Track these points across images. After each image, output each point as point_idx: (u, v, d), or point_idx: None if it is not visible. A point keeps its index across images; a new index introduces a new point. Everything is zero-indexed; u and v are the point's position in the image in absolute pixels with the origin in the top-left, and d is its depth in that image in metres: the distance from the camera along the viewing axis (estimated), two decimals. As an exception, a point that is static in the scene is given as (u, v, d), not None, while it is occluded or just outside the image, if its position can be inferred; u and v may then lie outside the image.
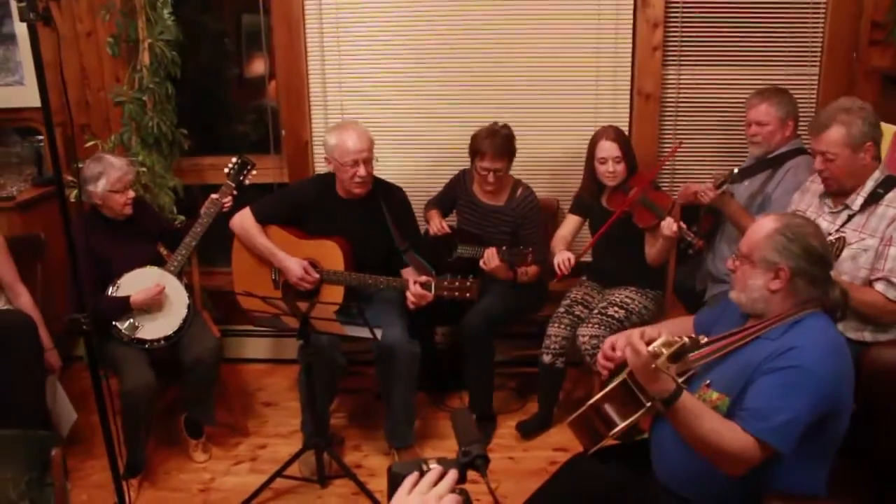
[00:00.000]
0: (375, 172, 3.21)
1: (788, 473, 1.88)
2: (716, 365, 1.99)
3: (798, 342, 1.85)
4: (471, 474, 1.33)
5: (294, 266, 3.15)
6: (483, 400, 3.42)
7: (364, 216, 3.21)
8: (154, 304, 3.03)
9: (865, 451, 2.20)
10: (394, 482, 1.34)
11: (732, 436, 1.79)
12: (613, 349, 2.15)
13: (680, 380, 1.95)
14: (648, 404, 1.85)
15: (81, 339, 3.77)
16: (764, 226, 1.97)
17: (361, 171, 3.08)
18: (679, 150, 3.45)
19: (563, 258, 3.21)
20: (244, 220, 3.25)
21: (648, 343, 1.79)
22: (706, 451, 1.82)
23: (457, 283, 2.95)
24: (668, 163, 3.71)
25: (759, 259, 1.94)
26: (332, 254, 3.17)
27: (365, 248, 3.21)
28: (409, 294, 3.00)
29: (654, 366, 1.75)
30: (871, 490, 2.19)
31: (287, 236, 3.24)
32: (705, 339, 1.98)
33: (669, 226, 2.96)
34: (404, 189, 3.39)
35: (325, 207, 3.22)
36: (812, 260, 1.91)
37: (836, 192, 2.63)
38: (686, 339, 1.78)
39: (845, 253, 2.54)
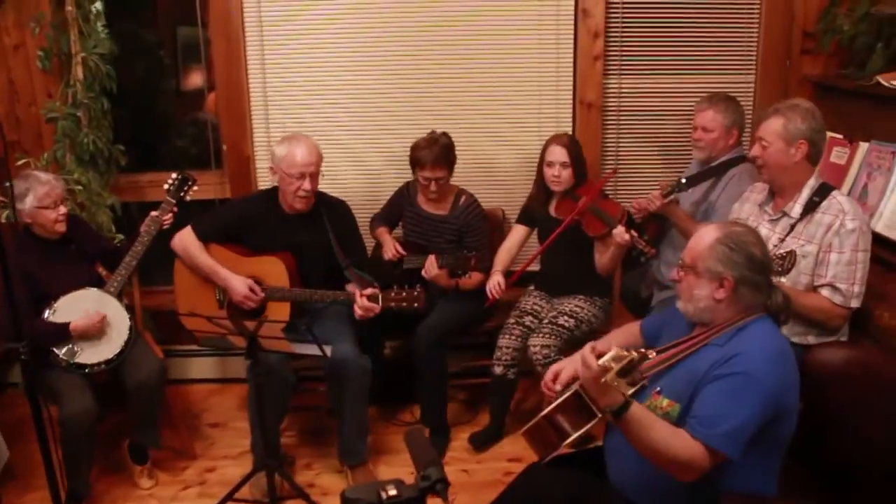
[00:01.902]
0: (320, 187, 3.17)
1: (739, 475, 1.91)
2: (665, 372, 2.02)
3: (743, 348, 1.89)
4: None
5: (238, 285, 3.09)
6: (436, 412, 3.40)
7: (307, 232, 3.17)
8: (94, 332, 2.92)
9: (812, 449, 2.25)
10: (350, 508, 1.31)
11: (682, 444, 1.82)
12: (555, 380, 2.20)
13: (631, 390, 1.98)
14: (600, 416, 1.87)
15: (16, 365, 3.69)
16: (706, 236, 2.00)
17: (306, 185, 3.04)
18: (618, 154, 3.52)
19: (493, 283, 3.24)
20: (185, 239, 3.17)
21: (599, 356, 1.81)
22: (656, 459, 1.85)
23: (404, 294, 2.93)
24: (607, 167, 3.76)
25: (704, 269, 1.97)
26: (275, 270, 3.12)
27: (309, 263, 3.16)
28: (356, 308, 2.97)
29: (603, 380, 1.77)
30: (820, 487, 2.25)
31: (229, 254, 3.18)
32: (653, 354, 2.00)
33: (621, 234, 2.99)
34: (349, 202, 3.36)
35: (268, 223, 3.16)
36: (755, 268, 1.95)
37: (773, 191, 2.70)
38: (634, 354, 1.80)
39: (781, 252, 2.59)
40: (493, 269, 3.34)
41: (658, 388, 2.01)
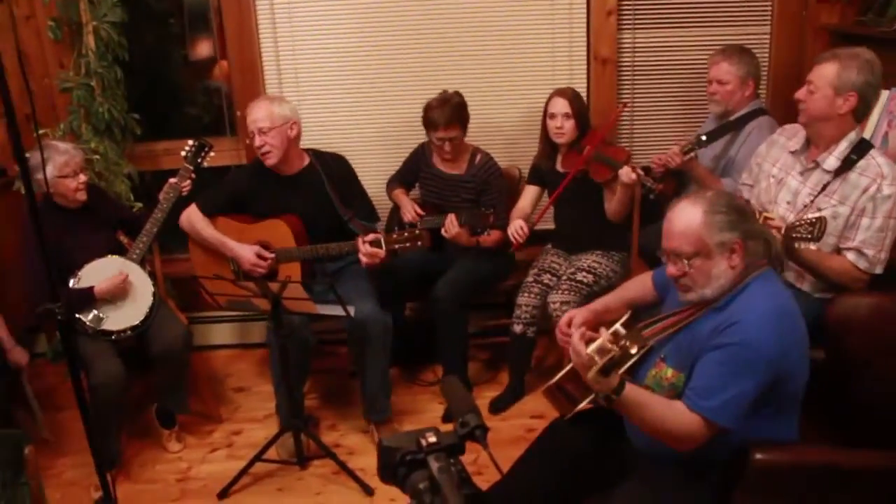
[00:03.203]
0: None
1: (756, 429, 1.91)
2: (669, 339, 2.02)
3: (740, 315, 1.86)
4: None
5: (245, 253, 3.13)
6: (458, 372, 3.42)
7: (305, 191, 3.19)
8: (119, 294, 2.95)
9: (835, 397, 2.26)
10: (385, 457, 1.33)
11: (677, 418, 1.84)
12: (570, 325, 2.20)
13: (635, 358, 1.98)
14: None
15: (41, 336, 3.75)
16: (693, 216, 1.90)
17: (257, 140, 3.07)
18: (633, 111, 3.47)
19: (515, 227, 3.23)
20: (191, 216, 3.23)
21: (590, 341, 1.82)
22: (655, 434, 1.87)
23: (406, 234, 2.93)
24: (623, 125, 3.74)
25: (714, 246, 1.88)
26: (280, 232, 3.15)
27: (314, 222, 3.18)
28: (360, 255, 2.98)
29: (588, 377, 1.77)
30: (842, 432, 2.26)
31: (236, 224, 3.22)
32: (635, 349, 1.92)
33: (627, 173, 3.00)
34: (365, 165, 3.36)
35: (267, 189, 3.19)
36: (746, 216, 1.93)
37: (807, 135, 2.60)
38: (617, 350, 1.75)
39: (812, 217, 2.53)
40: (512, 216, 3.35)
41: (662, 356, 2.02)
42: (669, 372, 1.97)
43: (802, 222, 2.32)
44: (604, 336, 1.80)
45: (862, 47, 2.56)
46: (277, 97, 3.16)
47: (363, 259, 2.98)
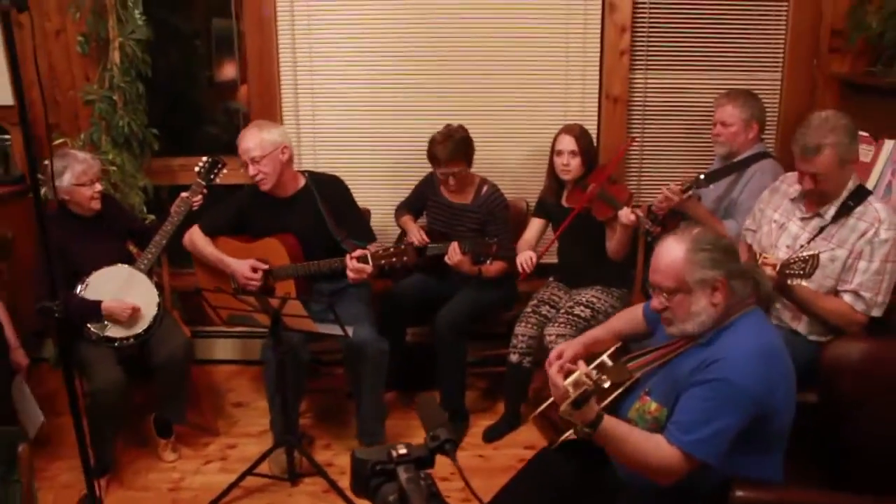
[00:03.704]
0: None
1: (740, 465, 1.92)
2: (654, 373, 2.04)
3: (725, 353, 1.87)
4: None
5: (240, 267, 3.22)
6: (456, 398, 3.44)
7: (300, 213, 3.26)
8: (123, 318, 3.01)
9: (824, 441, 2.26)
10: (358, 468, 1.35)
11: (657, 452, 1.85)
12: (559, 358, 2.20)
13: (619, 390, 2.03)
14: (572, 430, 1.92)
15: (48, 341, 3.81)
16: (674, 252, 1.92)
17: (251, 170, 3.15)
18: (643, 149, 3.51)
19: (525, 257, 3.28)
20: (192, 235, 3.33)
21: (568, 374, 1.86)
22: (634, 467, 1.89)
23: (392, 250, 2.99)
24: (630, 163, 3.78)
25: (694, 283, 1.90)
26: (276, 250, 3.23)
27: (309, 242, 3.25)
28: (348, 270, 3.04)
29: (561, 410, 1.79)
30: (829, 476, 2.26)
31: (235, 244, 3.31)
32: (608, 383, 1.98)
33: (626, 215, 3.04)
34: (374, 192, 3.43)
35: (263, 210, 3.27)
36: (733, 257, 1.94)
37: (815, 202, 2.64)
38: (590, 383, 1.79)
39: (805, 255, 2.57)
40: (520, 247, 3.40)
41: (647, 389, 2.03)
42: (653, 406, 1.98)
43: (797, 259, 2.38)
44: (581, 369, 1.83)
45: (823, 113, 2.60)
46: (266, 123, 3.25)
47: (350, 274, 3.04)
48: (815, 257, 2.37)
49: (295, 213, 3.26)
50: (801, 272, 2.38)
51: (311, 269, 3.17)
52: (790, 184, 2.79)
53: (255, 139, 3.14)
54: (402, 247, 2.98)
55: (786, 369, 1.93)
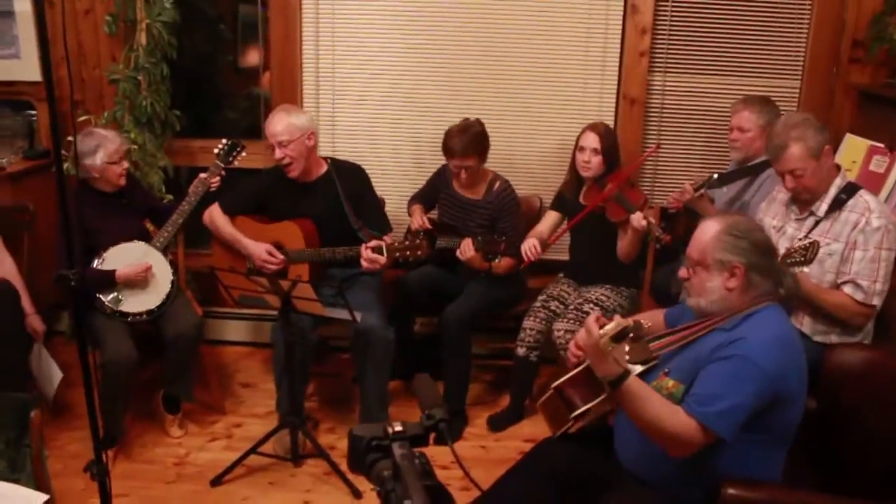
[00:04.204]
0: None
1: (741, 460, 1.96)
2: (675, 355, 2.08)
3: (746, 333, 1.93)
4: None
5: (257, 249, 3.25)
6: (458, 395, 3.47)
7: (320, 198, 3.30)
8: (139, 282, 3.08)
9: (824, 448, 2.28)
10: (355, 444, 1.39)
11: (675, 419, 1.88)
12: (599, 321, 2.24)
13: (641, 368, 2.05)
14: (605, 392, 1.94)
15: (64, 314, 3.88)
16: (709, 229, 2.03)
17: (278, 153, 3.19)
18: (659, 153, 3.53)
19: (529, 244, 3.30)
20: (212, 213, 3.37)
21: (602, 326, 1.88)
22: (650, 432, 1.91)
23: (407, 243, 3.03)
24: (646, 164, 3.79)
25: (713, 261, 2.00)
26: (293, 234, 3.27)
27: (327, 228, 3.29)
28: (362, 260, 3.08)
29: (599, 345, 1.84)
30: (827, 483, 2.27)
31: (253, 224, 3.35)
32: (648, 323, 2.07)
33: (638, 219, 3.06)
34: (390, 182, 3.46)
35: (285, 193, 3.31)
36: (761, 252, 1.99)
37: (806, 201, 2.71)
38: (631, 322, 1.85)
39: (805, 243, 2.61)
40: (529, 236, 3.41)
41: (666, 370, 2.06)
42: (670, 382, 2.01)
43: (797, 248, 2.44)
44: (616, 319, 1.86)
45: (783, 117, 2.78)
46: (294, 108, 3.30)
47: (364, 264, 3.08)
48: (815, 244, 2.44)
49: (315, 198, 3.31)
50: (802, 259, 2.44)
51: (326, 255, 3.21)
52: (786, 191, 2.83)
53: (283, 123, 3.18)
54: (418, 241, 3.02)
55: (801, 361, 1.98)
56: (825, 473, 2.30)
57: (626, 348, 1.93)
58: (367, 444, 1.36)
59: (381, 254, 3.05)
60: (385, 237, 3.21)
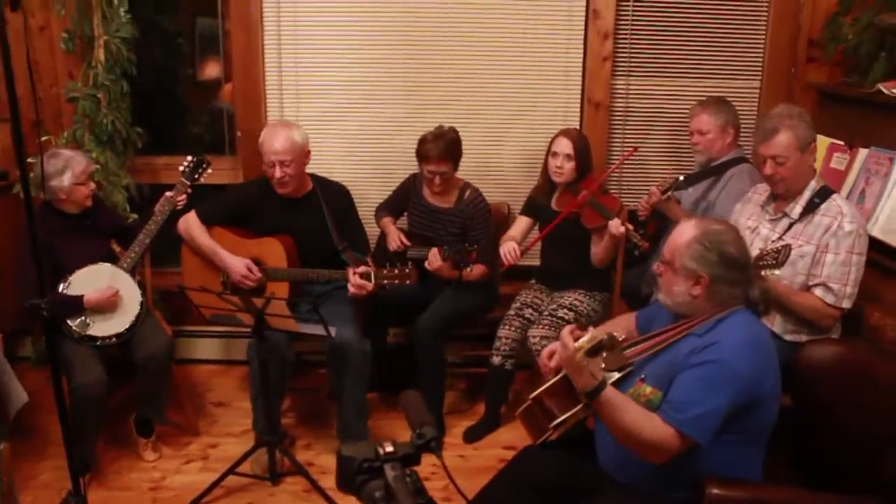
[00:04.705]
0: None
1: (721, 460, 1.97)
2: (650, 360, 2.09)
3: (719, 338, 1.95)
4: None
5: (236, 264, 3.18)
6: (434, 404, 3.44)
7: (304, 215, 3.26)
8: (107, 306, 3.01)
9: (799, 444, 2.31)
10: (344, 465, 1.38)
11: (652, 427, 1.89)
12: (551, 356, 2.24)
13: (618, 375, 2.07)
14: (581, 401, 1.95)
15: (27, 339, 3.78)
16: (685, 233, 2.05)
17: (277, 172, 3.14)
18: (625, 148, 3.57)
19: (508, 248, 3.32)
20: (189, 222, 3.28)
21: (577, 339, 1.88)
22: (627, 440, 1.92)
23: (396, 271, 3.02)
24: (614, 162, 3.82)
25: (680, 267, 2.03)
26: (274, 251, 3.21)
27: (307, 246, 3.25)
28: (349, 285, 3.06)
29: (575, 360, 1.84)
30: (804, 479, 2.31)
31: (232, 237, 3.28)
32: (623, 335, 2.06)
33: (617, 226, 3.08)
34: (357, 191, 3.44)
35: (266, 207, 3.26)
36: (729, 266, 2.00)
37: (781, 196, 2.73)
38: (605, 335, 1.86)
39: (777, 246, 2.66)
40: (504, 240, 3.42)
41: (643, 376, 2.08)
42: (648, 389, 2.03)
43: (769, 251, 2.47)
44: (590, 331, 1.87)
45: (780, 105, 2.79)
46: (292, 124, 3.23)
47: (351, 289, 3.06)
48: (787, 247, 2.48)
49: (299, 215, 3.26)
50: (774, 262, 2.47)
51: (310, 276, 3.17)
52: (761, 193, 2.90)
53: (286, 141, 3.12)
54: (407, 270, 3.00)
55: (774, 362, 2.01)
56: (803, 468, 2.33)
57: (602, 360, 1.94)
58: (358, 467, 1.34)
59: (369, 280, 3.04)
60: (368, 260, 3.19)
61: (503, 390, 3.48)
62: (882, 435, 2.11)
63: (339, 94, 3.83)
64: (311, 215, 3.26)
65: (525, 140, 3.83)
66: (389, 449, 1.34)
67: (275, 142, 3.12)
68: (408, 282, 3.01)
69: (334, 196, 3.34)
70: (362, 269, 3.05)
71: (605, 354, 1.90)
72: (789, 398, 2.35)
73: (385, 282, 3.03)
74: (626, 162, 3.82)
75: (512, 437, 3.38)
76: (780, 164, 2.64)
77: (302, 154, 3.18)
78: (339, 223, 3.28)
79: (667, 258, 2.07)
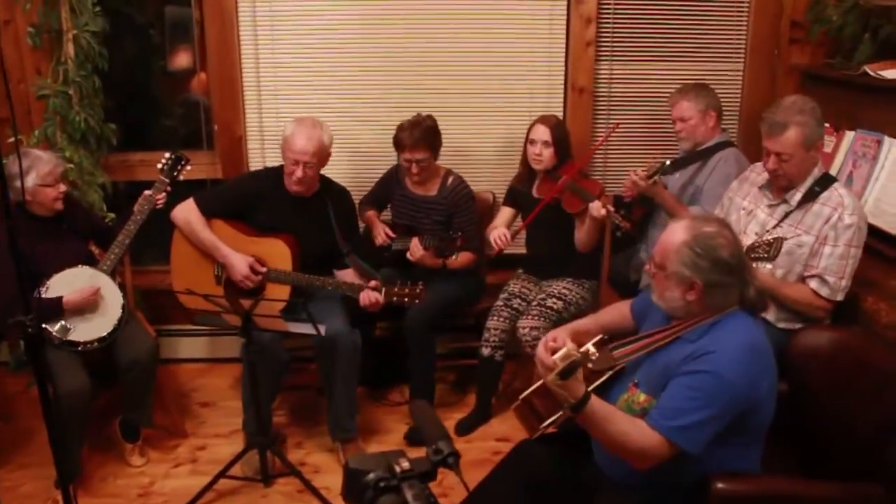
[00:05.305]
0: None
1: (720, 458, 1.96)
2: (642, 363, 2.07)
3: (714, 346, 1.91)
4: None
5: (239, 263, 3.08)
6: (425, 393, 3.43)
7: (310, 215, 3.18)
8: (88, 307, 2.92)
9: (795, 430, 2.31)
10: (352, 478, 1.33)
11: (639, 436, 1.87)
12: (555, 341, 2.20)
13: (606, 375, 2.06)
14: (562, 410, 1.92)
15: (3, 345, 3.68)
16: (675, 236, 1.97)
17: (298, 172, 3.04)
18: (613, 136, 3.55)
19: (498, 233, 3.30)
20: (188, 213, 3.15)
21: (555, 352, 1.84)
22: (615, 448, 1.90)
23: (406, 290, 2.97)
24: (597, 153, 3.80)
25: (672, 273, 1.97)
26: (279, 252, 3.12)
27: (309, 245, 3.17)
28: (361, 297, 3.02)
29: (549, 381, 1.79)
30: (801, 465, 2.32)
31: (232, 231, 3.16)
32: (596, 355, 2.02)
33: (598, 208, 3.07)
34: (342, 182, 3.38)
35: (274, 202, 3.16)
36: (722, 271, 1.94)
37: (781, 187, 2.70)
38: (578, 355, 1.80)
39: (769, 238, 2.64)
40: (492, 227, 3.40)
41: (635, 381, 2.06)
42: (642, 397, 2.01)
43: (761, 243, 2.46)
44: (568, 345, 1.83)
45: (793, 96, 2.70)
46: (321, 124, 3.11)
47: (363, 302, 3.02)
48: (779, 240, 2.46)
49: (306, 215, 3.17)
50: (766, 255, 2.45)
51: (315, 283, 3.08)
52: (759, 172, 2.85)
53: (316, 143, 3.02)
54: (418, 290, 2.96)
55: (770, 365, 1.98)
56: (801, 457, 2.34)
57: (581, 373, 1.87)
58: (374, 485, 1.29)
59: (380, 293, 3.00)
60: (377, 276, 3.17)
61: (494, 382, 3.46)
62: (881, 421, 2.12)
63: (317, 84, 3.74)
64: (317, 215, 3.18)
65: (510, 127, 3.78)
66: (406, 466, 1.31)
67: (304, 141, 3.01)
68: (416, 301, 2.97)
69: (339, 198, 3.27)
70: (374, 283, 3.02)
71: (579, 373, 1.85)
72: (786, 385, 2.35)
73: (395, 298, 2.99)
74: (610, 147, 3.80)
75: (505, 429, 3.36)
76: (785, 162, 2.60)
77: (325, 156, 3.10)
78: (343, 226, 3.22)
79: (658, 261, 2.01)
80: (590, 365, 2.01)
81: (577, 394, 1.81)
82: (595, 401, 1.85)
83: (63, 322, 2.89)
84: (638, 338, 2.11)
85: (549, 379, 1.79)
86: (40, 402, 1.95)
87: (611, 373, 2.10)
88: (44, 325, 2.85)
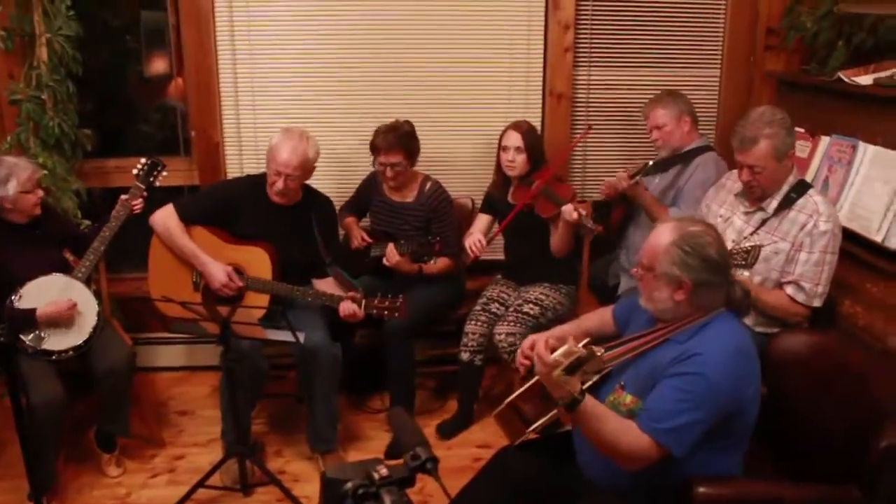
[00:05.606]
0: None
1: (704, 462, 1.96)
2: (629, 365, 2.07)
3: (702, 348, 1.92)
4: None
5: (217, 271, 3.05)
6: (405, 400, 3.40)
7: (292, 223, 3.14)
8: (63, 320, 2.88)
9: (774, 433, 2.33)
10: (331, 488, 1.32)
11: (629, 437, 1.87)
12: (532, 348, 2.19)
13: (595, 378, 2.05)
14: (556, 408, 1.91)
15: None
16: (662, 238, 1.99)
17: (280, 184, 3.02)
18: (591, 142, 3.55)
19: (473, 240, 3.31)
20: (167, 219, 3.11)
21: (554, 350, 1.84)
22: (605, 448, 1.90)
23: (387, 303, 2.95)
24: (575, 159, 3.82)
25: (661, 273, 1.97)
26: (259, 260, 3.09)
27: (289, 254, 3.14)
28: (341, 309, 2.99)
29: (553, 377, 1.80)
30: (781, 468, 2.33)
31: (212, 238, 3.12)
32: (601, 351, 2.00)
33: (569, 212, 3.07)
34: (320, 189, 3.36)
35: (256, 209, 3.13)
36: (711, 269, 1.96)
37: (756, 196, 2.72)
38: (583, 351, 1.80)
39: (747, 245, 2.66)
40: (468, 234, 3.40)
41: (622, 383, 2.06)
42: (628, 398, 2.01)
43: (738, 251, 2.47)
44: (569, 342, 1.83)
45: (761, 108, 2.72)
46: (308, 137, 3.09)
47: (342, 312, 2.99)
48: (756, 248, 2.48)
49: (288, 223, 3.13)
50: (743, 262, 2.48)
51: (295, 293, 3.05)
52: (734, 180, 2.87)
53: (300, 157, 3.00)
54: (398, 303, 2.93)
55: (755, 369, 2.00)
56: (781, 459, 2.35)
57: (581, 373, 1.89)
58: (353, 493, 1.28)
59: (359, 306, 2.97)
60: (359, 288, 3.14)
61: (474, 386, 3.45)
62: (858, 423, 2.13)
63: (295, 90, 3.72)
64: (299, 224, 3.15)
65: (488, 133, 3.77)
66: (385, 473, 1.30)
67: (288, 153, 2.98)
68: (396, 315, 2.95)
69: (322, 208, 3.24)
70: (352, 294, 2.99)
71: (584, 370, 1.86)
72: (765, 388, 2.37)
73: (374, 311, 2.96)
74: (586, 152, 3.81)
75: (485, 436, 3.35)
76: (758, 174, 2.62)
77: (309, 170, 3.08)
78: (325, 236, 3.20)
79: (645, 263, 2.02)
80: (599, 353, 2.01)
81: (576, 389, 1.82)
82: (590, 399, 1.86)
83: (37, 332, 2.84)
84: (626, 340, 2.11)
85: (554, 374, 1.78)
86: (13, 413, 1.90)
87: (597, 377, 2.10)
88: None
